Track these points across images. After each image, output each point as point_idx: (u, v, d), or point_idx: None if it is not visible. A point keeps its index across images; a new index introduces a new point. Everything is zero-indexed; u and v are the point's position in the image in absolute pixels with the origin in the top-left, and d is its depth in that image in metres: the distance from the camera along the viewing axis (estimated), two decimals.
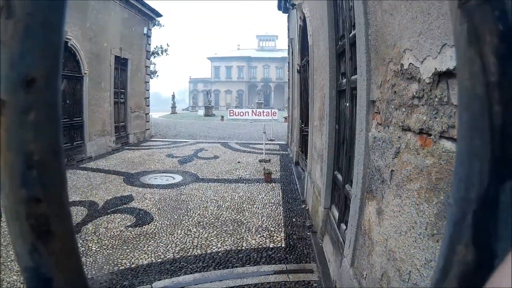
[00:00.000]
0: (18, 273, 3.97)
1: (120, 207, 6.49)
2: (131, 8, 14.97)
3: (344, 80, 4.00)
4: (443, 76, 1.55)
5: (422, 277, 1.66)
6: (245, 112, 36.22)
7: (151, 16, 17.14)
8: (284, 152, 13.30)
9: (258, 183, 8.38)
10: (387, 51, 2.31)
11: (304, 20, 7.92)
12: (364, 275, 2.67)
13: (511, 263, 0.29)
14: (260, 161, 11.16)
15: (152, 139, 17.42)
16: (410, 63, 1.90)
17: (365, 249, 2.72)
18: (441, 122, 1.56)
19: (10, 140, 0.33)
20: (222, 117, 34.20)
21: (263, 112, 35.14)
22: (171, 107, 47.06)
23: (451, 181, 1.43)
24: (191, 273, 4.09)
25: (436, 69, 1.58)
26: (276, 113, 33.72)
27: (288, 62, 15.06)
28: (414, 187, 1.83)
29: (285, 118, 30.42)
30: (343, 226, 3.88)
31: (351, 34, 3.61)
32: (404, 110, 2.06)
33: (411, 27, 1.86)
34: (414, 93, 1.87)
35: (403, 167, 2.03)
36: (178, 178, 8.92)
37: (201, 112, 42.72)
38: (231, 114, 35.61)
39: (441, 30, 1.53)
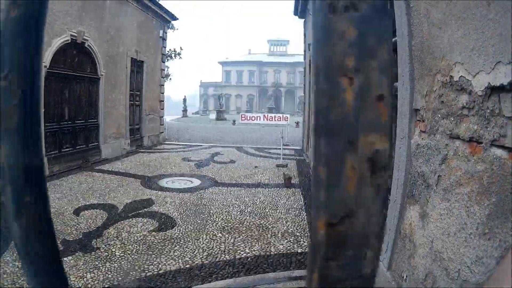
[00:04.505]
0: None
1: (141, 211, 6.49)
2: (147, 11, 15.11)
3: None
4: (495, 90, 1.64)
5: (472, 273, 1.72)
6: (257, 116, 36.18)
7: (167, 19, 17.28)
8: (300, 157, 13.28)
9: (278, 188, 8.37)
10: (434, 62, 2.37)
11: None
12: (404, 277, 2.71)
13: (511, 263, 0.30)
14: (278, 166, 11.14)
15: (166, 142, 17.51)
16: (461, 75, 1.96)
17: (405, 252, 2.77)
18: (493, 131, 1.66)
19: None
20: (234, 121, 34.30)
21: (275, 117, 35.12)
22: (183, 110, 47.26)
23: (503, 185, 1.56)
24: (222, 279, 4.07)
25: (489, 83, 1.66)
26: (288, 118, 33.73)
27: (304, 68, 15.04)
28: (464, 191, 1.90)
29: (297, 123, 30.50)
30: None
31: None
32: (452, 119, 2.13)
33: (463, 42, 1.92)
34: (464, 104, 1.94)
35: (451, 173, 2.09)
36: (196, 182, 8.92)
37: (213, 116, 42.80)
38: (243, 118, 35.64)
39: (495, 48, 1.62)
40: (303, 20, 14.67)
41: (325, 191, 0.26)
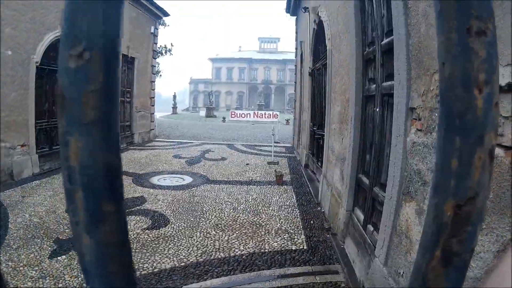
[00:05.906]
0: (33, 278, 3.88)
1: (133, 209, 6.44)
2: (139, 7, 14.98)
3: (373, 86, 4.01)
4: None
5: (470, 268, 1.76)
6: (247, 113, 36.24)
7: (158, 15, 17.13)
8: (291, 155, 13.30)
9: (270, 185, 8.38)
10: (432, 62, 2.42)
11: (319, 24, 7.92)
12: (401, 273, 2.77)
13: (511, 262, 0.34)
14: (269, 163, 11.16)
15: (156, 139, 17.41)
16: None
17: (401, 248, 2.82)
18: None
19: None
20: (224, 118, 34.26)
21: (265, 114, 35.21)
22: (172, 107, 47.02)
23: (500, 182, 1.64)
24: (217, 277, 4.05)
25: None
26: (277, 115, 33.82)
27: (296, 65, 15.06)
28: None
29: (287, 120, 30.57)
30: (370, 227, 3.93)
31: (383, 42, 3.63)
32: None
33: None
34: None
35: None
36: (188, 179, 8.90)
37: (203, 113, 42.65)
38: (233, 115, 35.67)
39: None
40: (295, 17, 14.67)
41: (455, 178, 0.33)
